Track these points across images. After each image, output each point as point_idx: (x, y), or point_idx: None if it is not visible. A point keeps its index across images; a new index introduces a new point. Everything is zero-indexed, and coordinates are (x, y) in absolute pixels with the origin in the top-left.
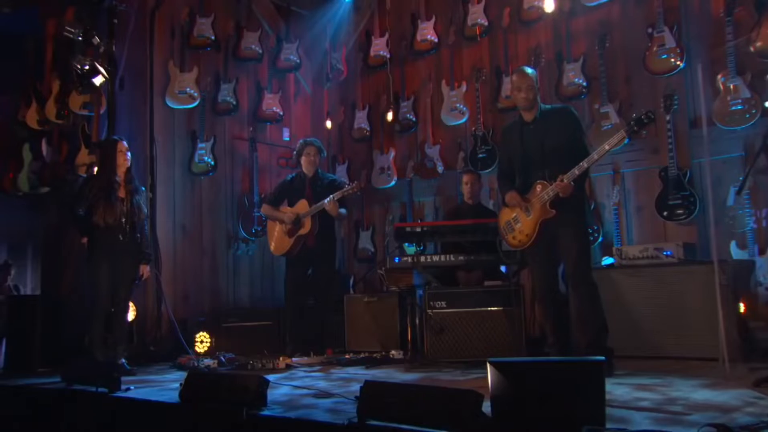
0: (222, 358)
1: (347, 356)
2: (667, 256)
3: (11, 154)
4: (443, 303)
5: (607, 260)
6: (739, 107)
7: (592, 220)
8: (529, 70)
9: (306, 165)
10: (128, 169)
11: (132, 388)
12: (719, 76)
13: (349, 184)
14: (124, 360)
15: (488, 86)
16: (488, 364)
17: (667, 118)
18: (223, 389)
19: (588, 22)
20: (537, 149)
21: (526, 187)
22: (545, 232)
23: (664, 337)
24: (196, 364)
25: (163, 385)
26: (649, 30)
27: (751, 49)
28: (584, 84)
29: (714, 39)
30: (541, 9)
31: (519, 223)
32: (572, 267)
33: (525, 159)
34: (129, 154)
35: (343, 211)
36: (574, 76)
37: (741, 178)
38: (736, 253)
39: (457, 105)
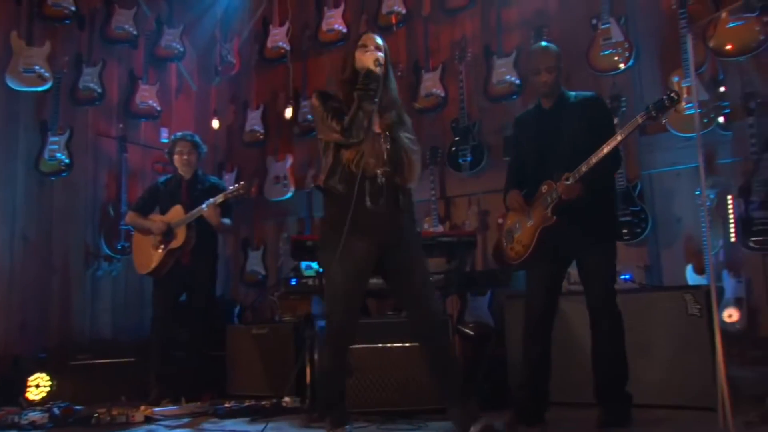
0: (55, 409)
1: (227, 404)
2: (625, 281)
3: None
4: None
5: None
6: (695, 111)
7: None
8: (551, 47)
9: (180, 165)
10: None
11: None
12: (672, 76)
13: (234, 186)
14: None
15: (405, 82)
16: None
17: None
18: None
19: (522, 12)
20: (553, 142)
21: (537, 188)
22: (546, 245)
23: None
24: (16, 419)
25: None
26: (594, 21)
27: (710, 44)
28: (517, 82)
29: (666, 34)
30: None
31: (518, 231)
32: (592, 294)
33: (538, 153)
34: None
35: (226, 221)
36: (504, 73)
37: (697, 192)
38: (692, 277)
39: None
